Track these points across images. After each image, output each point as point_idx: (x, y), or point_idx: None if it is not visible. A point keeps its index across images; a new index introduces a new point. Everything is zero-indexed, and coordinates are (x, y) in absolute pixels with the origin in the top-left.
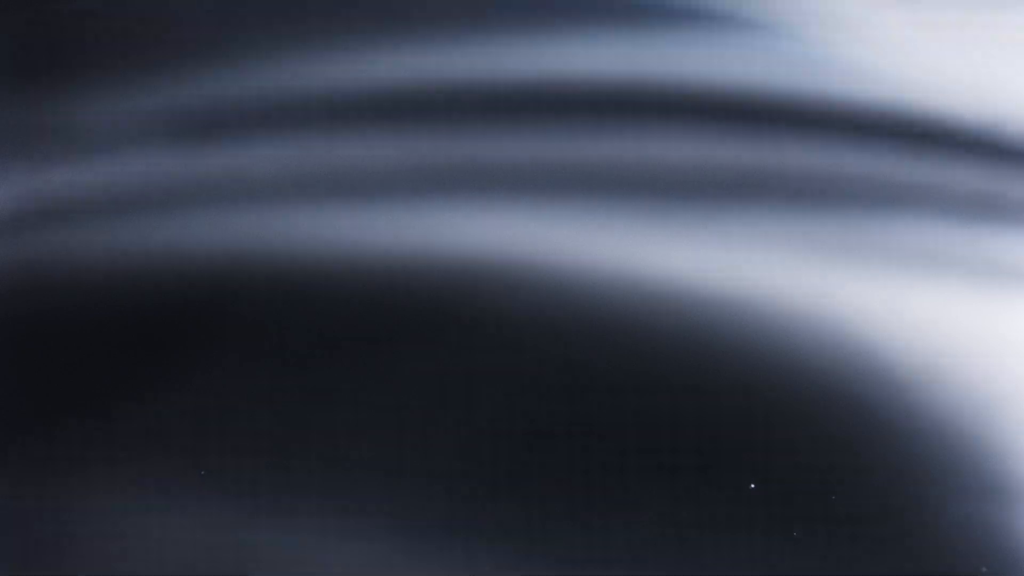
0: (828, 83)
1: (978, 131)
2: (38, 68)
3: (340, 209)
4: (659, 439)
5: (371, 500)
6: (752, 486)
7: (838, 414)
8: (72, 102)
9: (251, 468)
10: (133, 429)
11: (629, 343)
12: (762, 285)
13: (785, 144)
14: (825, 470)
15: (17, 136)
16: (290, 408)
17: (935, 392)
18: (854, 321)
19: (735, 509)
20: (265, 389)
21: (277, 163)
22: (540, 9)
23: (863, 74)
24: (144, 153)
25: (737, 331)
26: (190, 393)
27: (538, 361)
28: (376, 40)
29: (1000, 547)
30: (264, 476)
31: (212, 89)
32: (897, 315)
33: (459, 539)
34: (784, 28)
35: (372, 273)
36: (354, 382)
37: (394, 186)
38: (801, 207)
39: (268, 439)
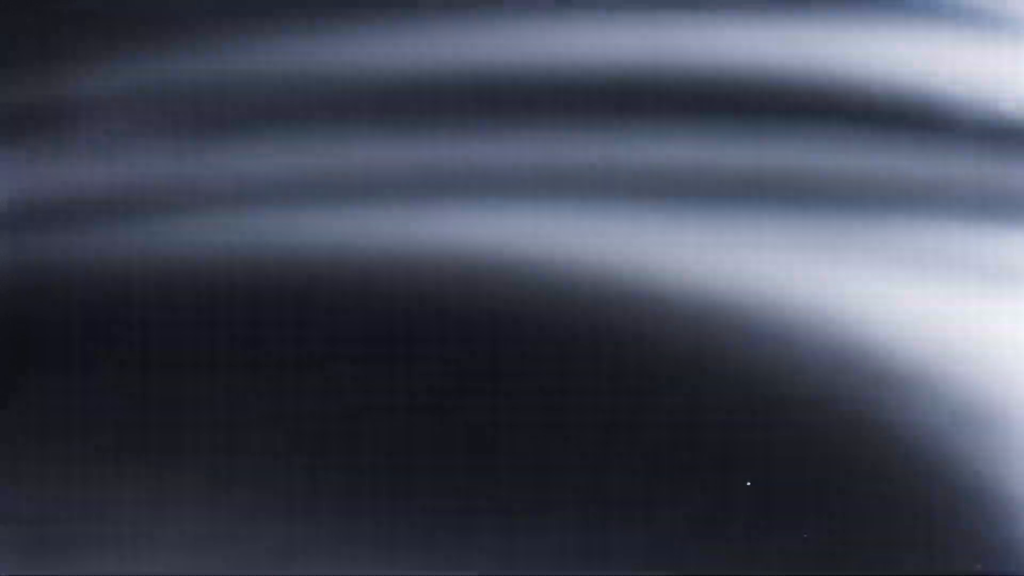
0: (828, 75)
1: (980, 126)
2: (37, 65)
3: (340, 208)
4: (657, 437)
5: (374, 498)
6: (748, 484)
7: (836, 413)
8: (72, 100)
9: (254, 466)
10: (134, 429)
11: (628, 342)
12: (761, 284)
13: (785, 141)
14: (822, 469)
15: (15, 133)
16: (292, 407)
17: (934, 392)
18: (854, 321)
19: (733, 508)
20: (265, 388)
21: (277, 163)
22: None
23: (864, 66)
24: (143, 152)
25: (736, 330)
26: (190, 393)
27: (537, 360)
28: (378, 33)
29: (997, 545)
30: (268, 475)
31: (212, 87)
32: (897, 315)
33: (461, 539)
34: (786, 16)
35: (372, 272)
36: (355, 381)
37: (394, 185)
38: (801, 206)
39: (268, 438)
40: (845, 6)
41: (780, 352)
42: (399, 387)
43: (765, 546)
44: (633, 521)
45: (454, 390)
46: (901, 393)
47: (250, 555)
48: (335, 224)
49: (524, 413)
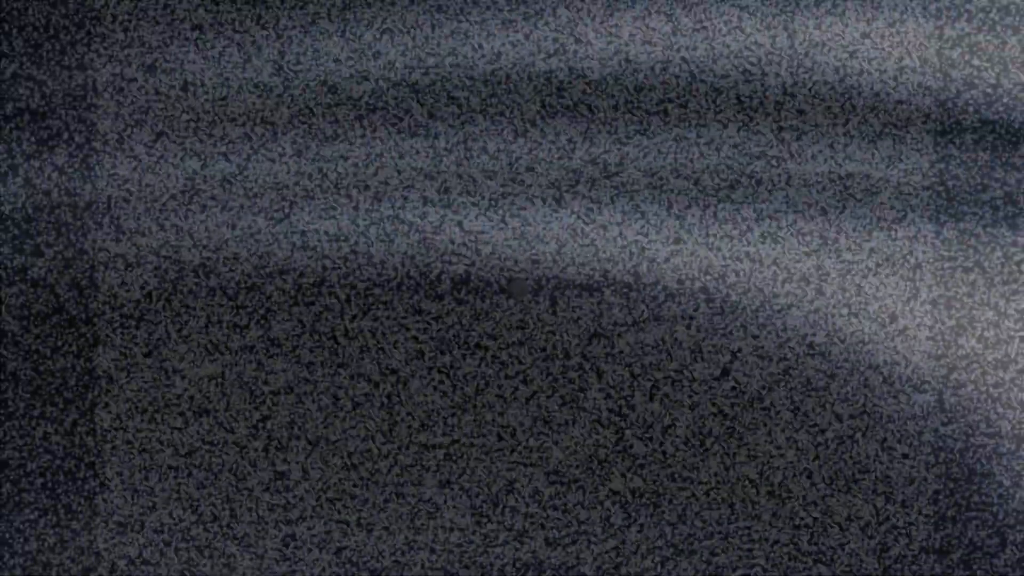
0: (827, 75)
1: (980, 126)
2: (37, 64)
3: (341, 208)
4: (656, 436)
5: (376, 498)
6: (748, 484)
7: (835, 413)
8: (72, 100)
9: (252, 467)
10: (134, 430)
11: (628, 341)
12: (761, 284)
13: (785, 140)
14: (821, 470)
15: (16, 133)
16: (291, 407)
17: (933, 392)
18: (853, 321)
19: (730, 508)
20: (264, 388)
21: (277, 163)
22: None
23: (863, 65)
24: (143, 152)
25: (735, 330)
26: (189, 392)
27: (538, 359)
28: (379, 32)
29: (997, 547)
30: (266, 474)
31: (213, 86)
32: (896, 315)
33: (462, 539)
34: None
35: (373, 272)
36: (356, 382)
37: (396, 185)
38: (800, 206)
39: (267, 438)
40: (845, 5)
41: (779, 352)
42: (401, 387)
43: (760, 545)
44: (629, 520)
45: (454, 390)
46: (900, 393)
47: (249, 555)
48: (336, 223)
49: (521, 412)
